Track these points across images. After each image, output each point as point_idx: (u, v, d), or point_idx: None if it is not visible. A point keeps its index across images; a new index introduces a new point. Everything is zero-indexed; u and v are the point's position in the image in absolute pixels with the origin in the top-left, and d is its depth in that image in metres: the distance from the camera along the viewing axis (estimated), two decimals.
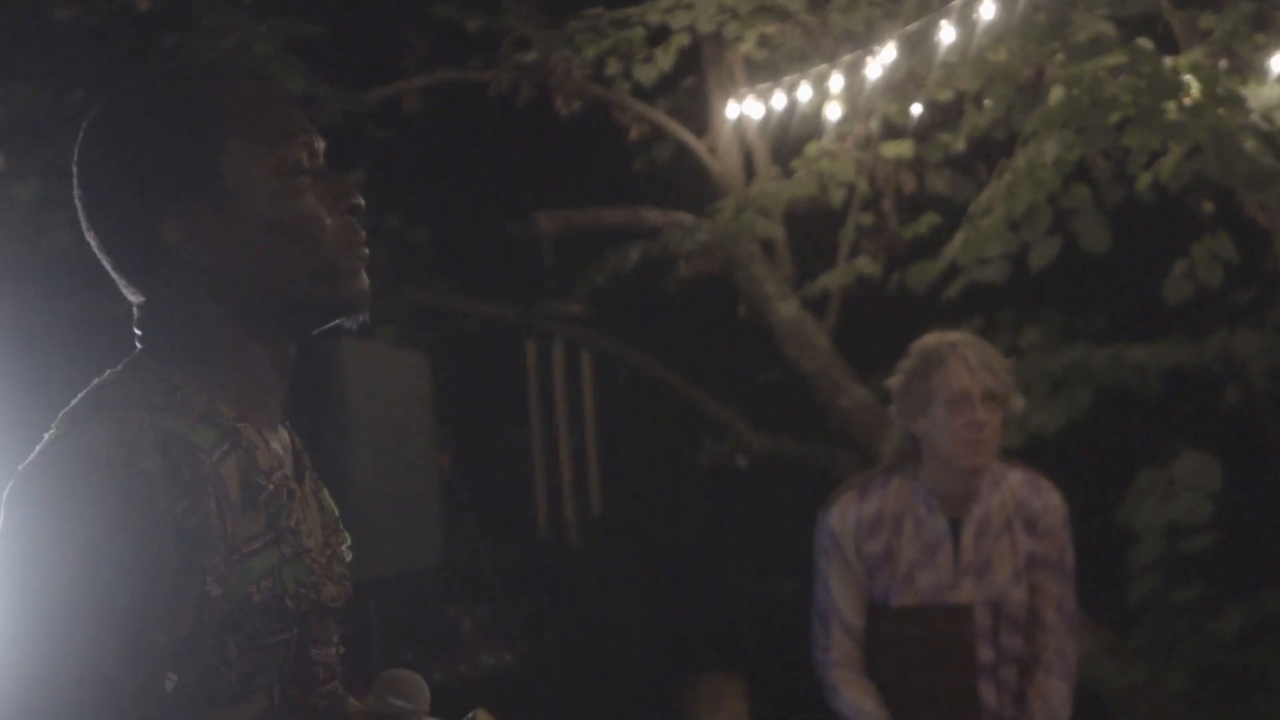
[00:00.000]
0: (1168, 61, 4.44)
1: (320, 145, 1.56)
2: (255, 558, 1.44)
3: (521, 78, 6.39)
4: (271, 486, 1.49)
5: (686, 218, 6.29)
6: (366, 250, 1.56)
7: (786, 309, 6.24)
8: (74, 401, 1.47)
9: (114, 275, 1.54)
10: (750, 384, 7.07)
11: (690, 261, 6.17)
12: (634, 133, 6.52)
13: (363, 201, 1.56)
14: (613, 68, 6.35)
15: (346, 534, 1.68)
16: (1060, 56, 4.76)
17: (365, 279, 1.55)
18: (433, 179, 7.62)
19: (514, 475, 7.10)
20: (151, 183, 1.48)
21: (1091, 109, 4.51)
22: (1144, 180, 4.78)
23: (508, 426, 7.37)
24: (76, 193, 1.53)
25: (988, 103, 5.21)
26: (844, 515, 3.48)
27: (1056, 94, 4.68)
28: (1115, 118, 4.54)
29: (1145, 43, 4.59)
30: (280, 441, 1.56)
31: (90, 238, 1.53)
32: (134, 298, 1.54)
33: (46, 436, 1.45)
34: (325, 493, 1.67)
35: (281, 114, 1.53)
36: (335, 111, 6.21)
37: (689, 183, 6.63)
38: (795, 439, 6.66)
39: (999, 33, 4.87)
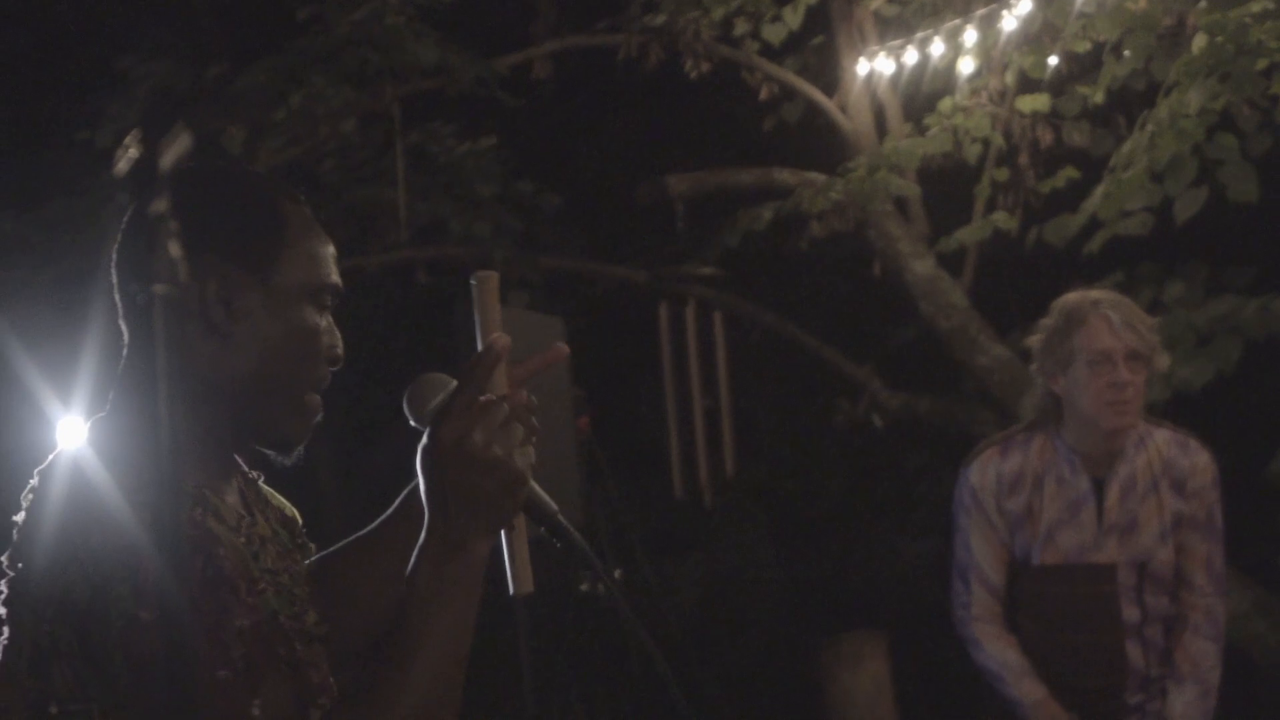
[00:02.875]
0: None
1: (338, 296, 1.71)
2: (266, 594, 1.61)
3: (650, 41, 6.39)
4: (243, 539, 1.64)
5: (818, 177, 6.24)
6: (320, 411, 1.71)
7: (922, 267, 6.18)
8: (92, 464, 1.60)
9: (122, 305, 1.67)
10: (885, 343, 7.02)
11: (823, 221, 6.13)
12: (764, 93, 6.49)
13: (342, 354, 1.70)
14: (741, 28, 6.33)
15: (305, 541, 1.84)
16: (1203, 3, 4.64)
17: (308, 429, 1.70)
18: (563, 144, 7.67)
19: (649, 437, 7.14)
20: (220, 241, 1.63)
21: (1237, 56, 4.39)
22: None
23: (642, 389, 7.40)
24: (143, 222, 1.63)
25: (1127, 53, 5.09)
26: (984, 472, 3.45)
27: (1199, 42, 4.56)
28: (1262, 64, 4.41)
29: None
30: (233, 490, 1.71)
31: (123, 260, 1.65)
32: (128, 334, 1.67)
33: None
34: (274, 503, 1.82)
35: (328, 252, 1.70)
36: (466, 80, 6.27)
37: (820, 142, 6.59)
38: (931, 398, 6.60)
39: None
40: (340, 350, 1.71)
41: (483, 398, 1.57)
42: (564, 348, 1.72)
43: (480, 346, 1.66)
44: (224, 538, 1.60)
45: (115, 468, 1.56)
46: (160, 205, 1.28)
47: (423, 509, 1.66)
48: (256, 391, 1.65)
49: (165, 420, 1.27)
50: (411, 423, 1.67)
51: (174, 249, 1.29)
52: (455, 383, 1.61)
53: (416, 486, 1.79)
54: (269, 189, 1.69)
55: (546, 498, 1.66)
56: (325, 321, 1.69)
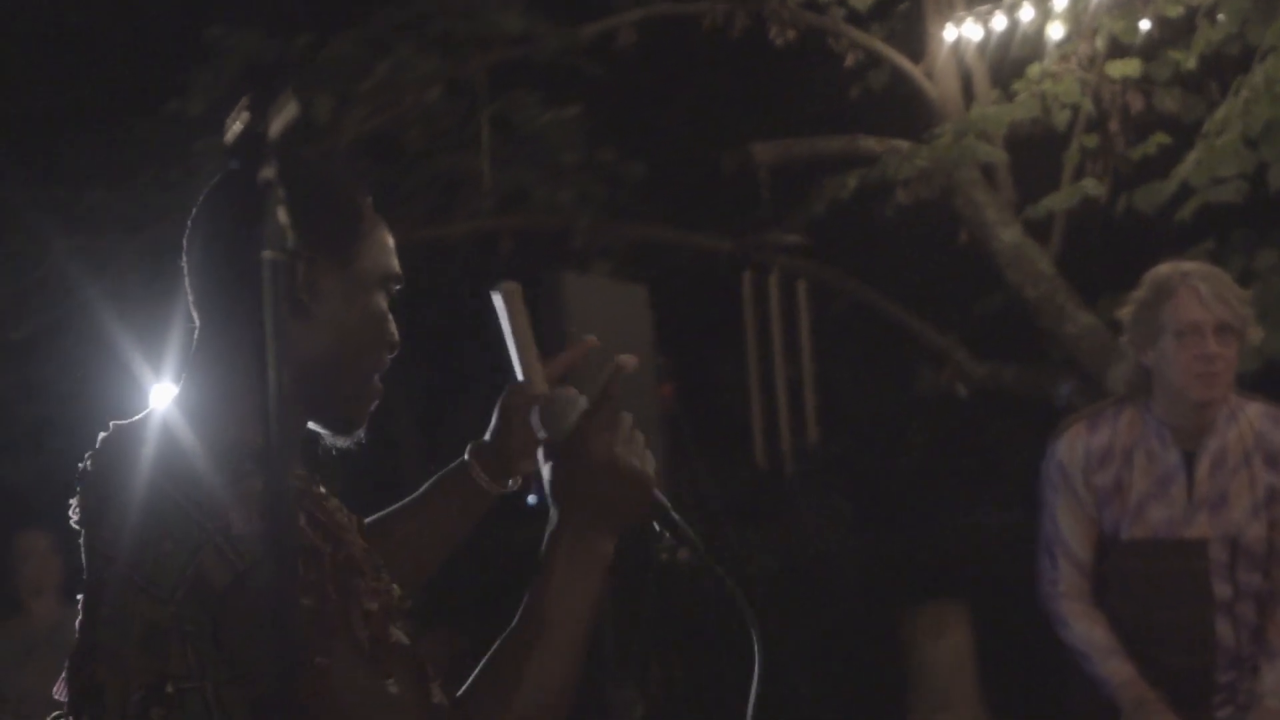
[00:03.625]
0: None
1: (400, 285, 1.78)
2: (381, 570, 1.65)
3: (736, 8, 6.35)
4: (345, 517, 1.70)
5: (904, 144, 6.19)
6: (381, 394, 1.78)
7: (1008, 234, 6.12)
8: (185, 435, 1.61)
9: (199, 287, 1.70)
10: (970, 312, 6.97)
11: (909, 188, 6.08)
12: (849, 60, 6.44)
13: (399, 342, 1.78)
14: None
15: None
16: None
17: (369, 411, 1.76)
18: (647, 113, 7.65)
19: (730, 405, 7.14)
20: (305, 225, 1.62)
21: None
22: None
23: (724, 357, 7.40)
24: (222, 205, 1.69)
25: (1221, 17, 5.01)
26: (1072, 447, 3.42)
27: None
28: None
29: None
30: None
31: (198, 242, 1.69)
32: (202, 317, 1.70)
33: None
34: None
35: (392, 243, 1.77)
36: (551, 48, 6.27)
37: (906, 109, 6.53)
38: (1017, 367, 6.55)
39: None
40: (397, 338, 1.77)
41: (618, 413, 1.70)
42: (593, 340, 1.92)
43: (515, 353, 1.85)
44: (343, 522, 1.64)
45: (217, 447, 1.58)
46: (270, 173, 1.30)
47: (475, 480, 1.85)
48: (331, 372, 1.69)
49: (275, 394, 1.29)
50: (543, 434, 1.76)
51: (283, 216, 1.31)
52: (582, 398, 1.74)
53: (468, 464, 1.96)
54: (345, 179, 1.76)
55: (662, 497, 1.77)
56: (389, 310, 1.77)
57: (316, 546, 1.54)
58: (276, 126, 1.28)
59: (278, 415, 1.26)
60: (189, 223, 1.71)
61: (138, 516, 1.56)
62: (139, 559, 1.55)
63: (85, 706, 1.61)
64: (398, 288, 1.76)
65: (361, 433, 1.78)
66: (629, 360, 1.75)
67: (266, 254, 1.28)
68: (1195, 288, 3.26)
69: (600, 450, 1.68)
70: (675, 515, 1.75)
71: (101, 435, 1.69)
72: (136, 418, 1.70)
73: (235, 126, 1.30)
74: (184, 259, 1.72)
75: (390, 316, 1.76)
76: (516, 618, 1.65)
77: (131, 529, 1.56)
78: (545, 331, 4.07)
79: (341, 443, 1.77)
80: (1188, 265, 3.36)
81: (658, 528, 1.76)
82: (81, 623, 1.65)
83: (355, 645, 1.52)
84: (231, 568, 1.51)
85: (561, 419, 1.73)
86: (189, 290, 1.72)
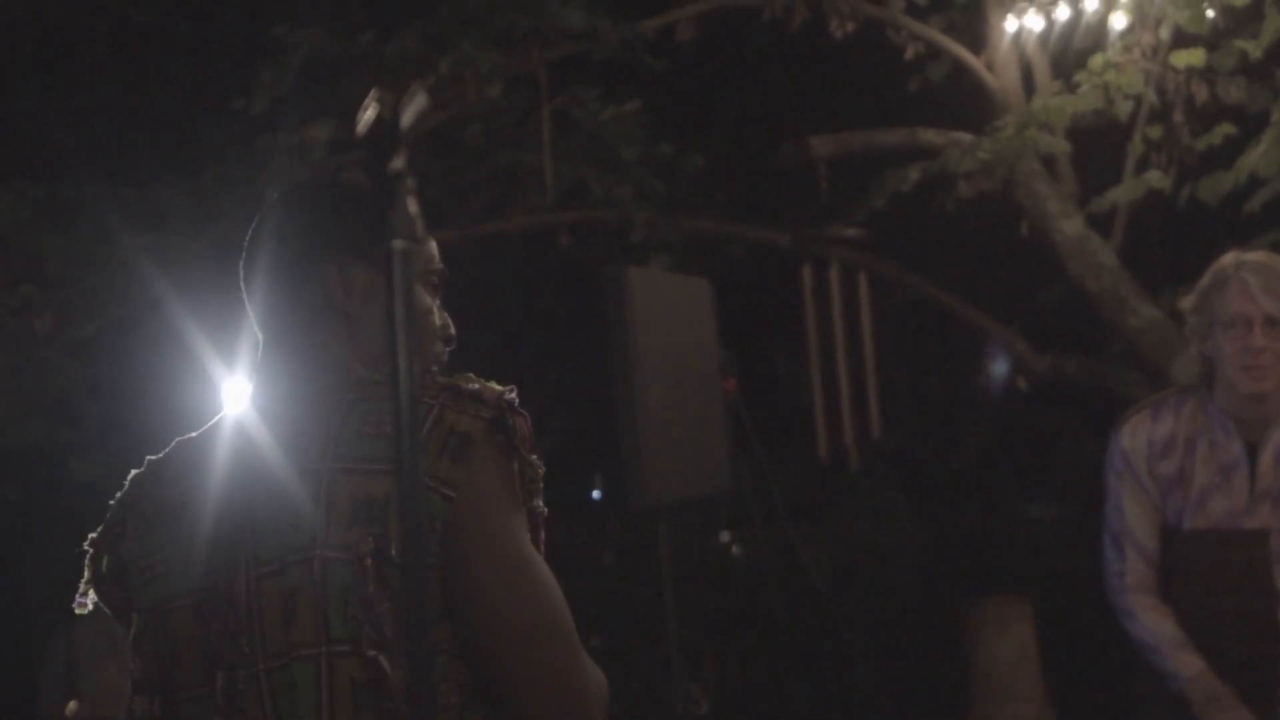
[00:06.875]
0: None
1: (444, 280, 1.89)
2: None
3: (795, 0, 6.34)
4: None
5: (965, 137, 6.17)
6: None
7: (1070, 227, 6.09)
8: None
9: (259, 289, 1.84)
10: (1031, 305, 6.94)
11: (970, 181, 6.06)
12: (909, 52, 6.42)
13: (454, 334, 1.89)
14: None
15: None
16: None
17: None
18: (706, 106, 7.66)
19: (793, 399, 7.15)
20: (342, 237, 1.81)
21: None
22: None
23: (786, 351, 7.39)
24: (276, 218, 1.84)
25: None
26: (1135, 435, 3.40)
27: None
28: None
29: None
30: None
31: (308, 227, 1.83)
32: (261, 316, 1.84)
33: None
34: None
35: (432, 242, 1.88)
36: (612, 43, 6.28)
37: (966, 101, 6.51)
38: (1078, 360, 6.51)
39: None
40: (452, 330, 1.88)
41: None
42: None
43: None
44: None
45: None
46: (400, 163, 1.34)
47: None
48: (379, 367, 1.79)
49: (406, 378, 1.33)
50: None
51: (413, 206, 1.35)
52: None
53: None
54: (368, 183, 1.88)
55: None
56: (436, 304, 1.87)
57: (522, 430, 1.73)
58: (408, 118, 1.31)
59: (409, 398, 1.31)
60: (248, 247, 1.84)
61: (320, 428, 1.70)
62: (336, 450, 1.69)
63: (281, 629, 1.71)
64: (440, 282, 1.86)
65: None
66: None
67: (398, 243, 1.32)
68: (1243, 279, 3.23)
69: None
70: None
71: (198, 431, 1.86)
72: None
73: (365, 119, 1.34)
74: (244, 280, 1.85)
75: (440, 311, 1.86)
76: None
77: (317, 437, 1.70)
78: (611, 325, 4.08)
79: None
80: (1249, 255, 3.33)
81: None
82: (209, 580, 1.78)
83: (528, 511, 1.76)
84: (478, 418, 1.69)
85: None
86: (276, 277, 1.83)
